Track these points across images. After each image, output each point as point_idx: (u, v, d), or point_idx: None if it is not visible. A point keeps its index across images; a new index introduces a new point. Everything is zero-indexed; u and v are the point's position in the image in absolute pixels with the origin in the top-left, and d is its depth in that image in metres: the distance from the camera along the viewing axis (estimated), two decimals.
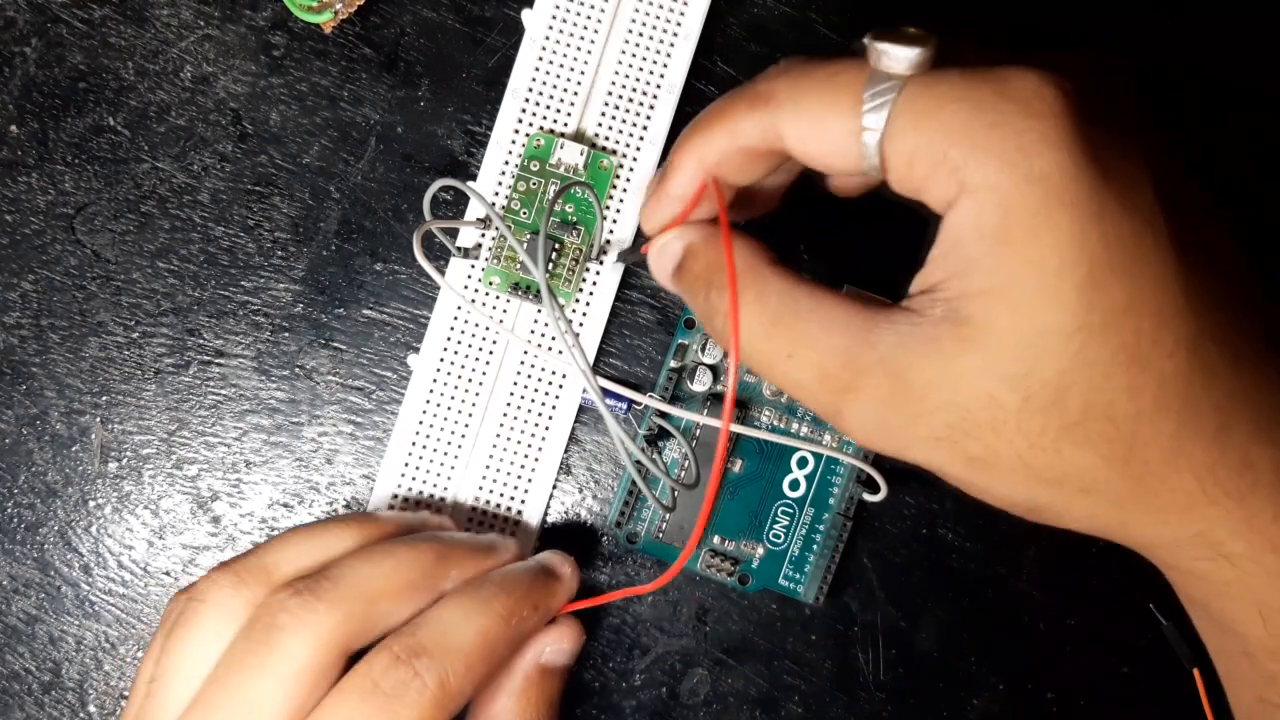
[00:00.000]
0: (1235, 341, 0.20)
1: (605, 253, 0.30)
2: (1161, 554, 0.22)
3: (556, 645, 0.27)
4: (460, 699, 0.24)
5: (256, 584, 0.24)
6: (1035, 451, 0.20)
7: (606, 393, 0.31)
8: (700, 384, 0.31)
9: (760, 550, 0.31)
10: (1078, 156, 0.19)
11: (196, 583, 0.25)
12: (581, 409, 0.31)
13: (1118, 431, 0.19)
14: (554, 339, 0.30)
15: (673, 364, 0.31)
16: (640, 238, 0.27)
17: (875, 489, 0.30)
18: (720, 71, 0.32)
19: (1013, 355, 0.19)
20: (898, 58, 0.19)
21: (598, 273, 0.31)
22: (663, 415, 0.30)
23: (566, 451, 0.31)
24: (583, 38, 0.31)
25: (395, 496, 0.31)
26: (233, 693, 0.23)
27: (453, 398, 0.31)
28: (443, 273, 0.31)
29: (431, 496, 0.31)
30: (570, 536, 0.32)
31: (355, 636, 0.24)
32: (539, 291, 0.30)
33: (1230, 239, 0.22)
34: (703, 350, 0.31)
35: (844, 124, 0.20)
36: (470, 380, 0.31)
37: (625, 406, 0.31)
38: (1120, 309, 0.19)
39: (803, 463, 0.31)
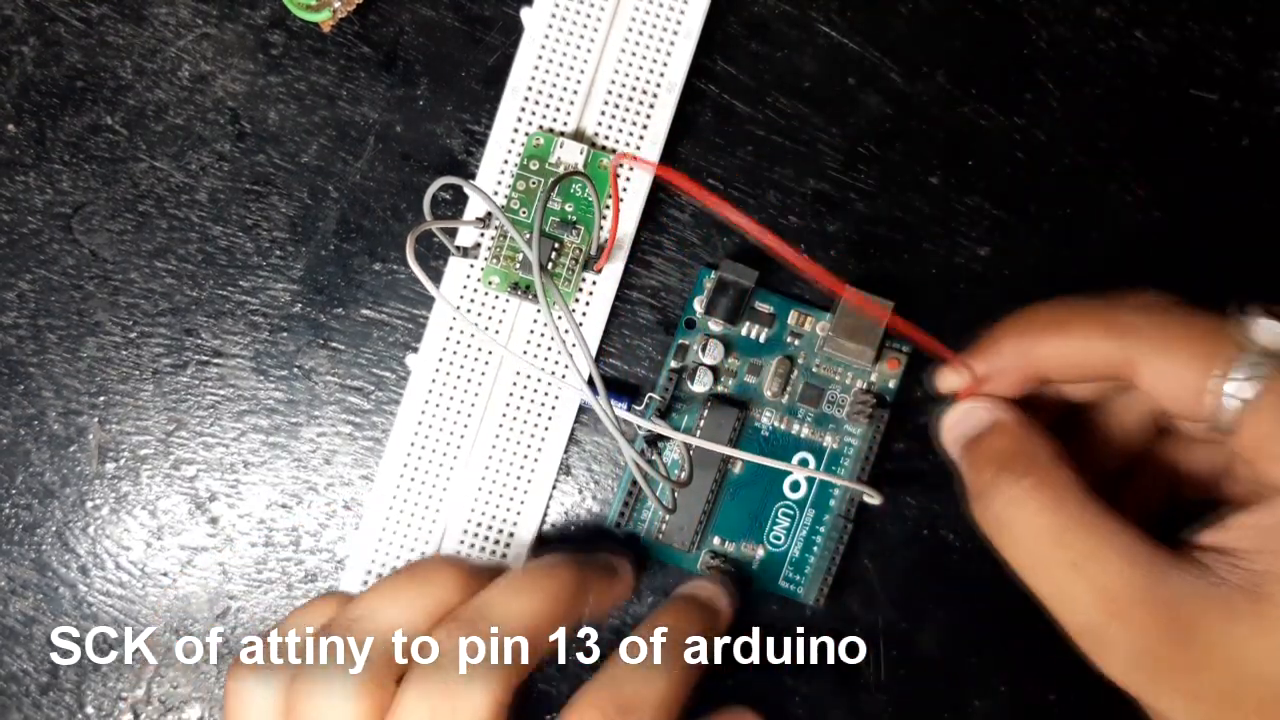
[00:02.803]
0: None
1: (597, 258, 0.30)
2: None
3: None
4: (521, 676, 0.25)
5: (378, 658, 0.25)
6: None
7: (609, 393, 0.30)
8: (701, 384, 0.30)
9: (760, 552, 0.31)
10: None
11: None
12: (581, 409, 0.31)
13: None
14: (553, 339, 0.30)
15: (673, 364, 0.31)
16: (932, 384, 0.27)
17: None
18: (721, 70, 0.31)
19: None
20: (1277, 334, 0.20)
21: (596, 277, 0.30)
22: (661, 416, 0.30)
23: (566, 452, 0.31)
24: (582, 36, 0.30)
25: (394, 497, 0.30)
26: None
27: (451, 398, 0.31)
28: (440, 273, 0.31)
29: (430, 496, 0.31)
30: (570, 537, 0.31)
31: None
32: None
33: None
34: (703, 350, 0.30)
35: (1205, 382, 0.20)
36: (469, 380, 0.31)
37: (625, 406, 0.31)
38: None
39: (803, 464, 0.31)
